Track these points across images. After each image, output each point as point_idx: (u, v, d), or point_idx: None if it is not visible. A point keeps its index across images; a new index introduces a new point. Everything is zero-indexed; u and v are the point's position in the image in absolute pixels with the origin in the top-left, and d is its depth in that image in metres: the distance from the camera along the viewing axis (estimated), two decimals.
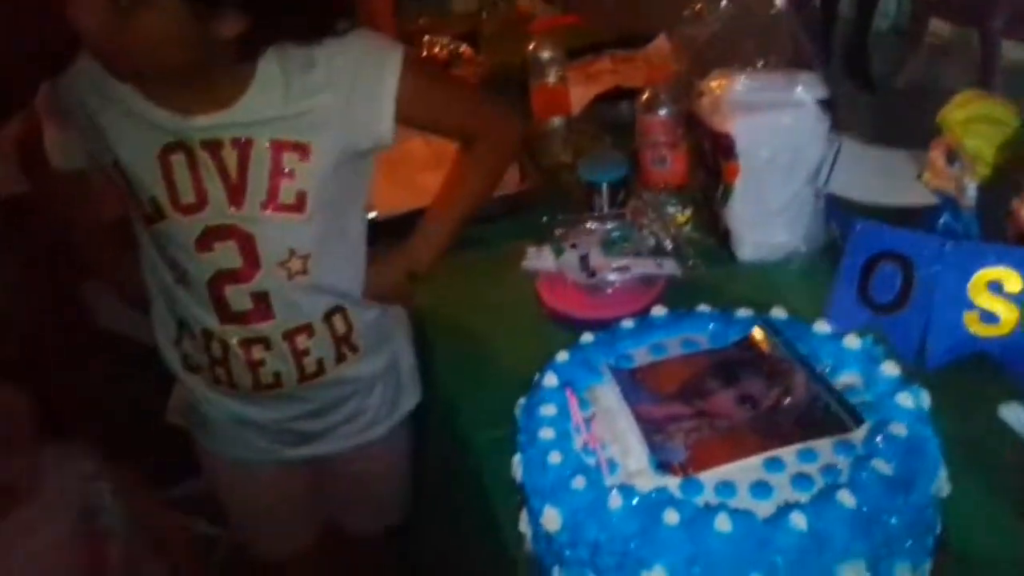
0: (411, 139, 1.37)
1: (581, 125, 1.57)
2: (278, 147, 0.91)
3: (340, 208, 0.98)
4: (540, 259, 1.16)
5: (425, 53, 1.93)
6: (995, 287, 0.93)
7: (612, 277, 1.12)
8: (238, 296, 0.96)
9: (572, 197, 1.34)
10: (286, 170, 0.92)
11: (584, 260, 1.12)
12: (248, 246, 0.94)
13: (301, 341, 1.00)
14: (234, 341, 0.98)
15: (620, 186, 1.28)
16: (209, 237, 0.93)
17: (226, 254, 0.94)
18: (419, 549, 1.30)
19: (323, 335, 1.01)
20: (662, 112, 1.28)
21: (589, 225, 1.16)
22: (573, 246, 1.14)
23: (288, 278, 0.96)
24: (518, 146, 1.15)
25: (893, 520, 0.66)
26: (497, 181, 1.12)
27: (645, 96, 1.30)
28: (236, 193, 0.91)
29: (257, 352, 0.99)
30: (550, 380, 0.83)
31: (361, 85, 0.93)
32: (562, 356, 0.86)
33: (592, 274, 1.12)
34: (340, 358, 1.04)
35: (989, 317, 0.94)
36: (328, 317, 1.01)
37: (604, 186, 1.28)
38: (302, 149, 0.92)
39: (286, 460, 1.11)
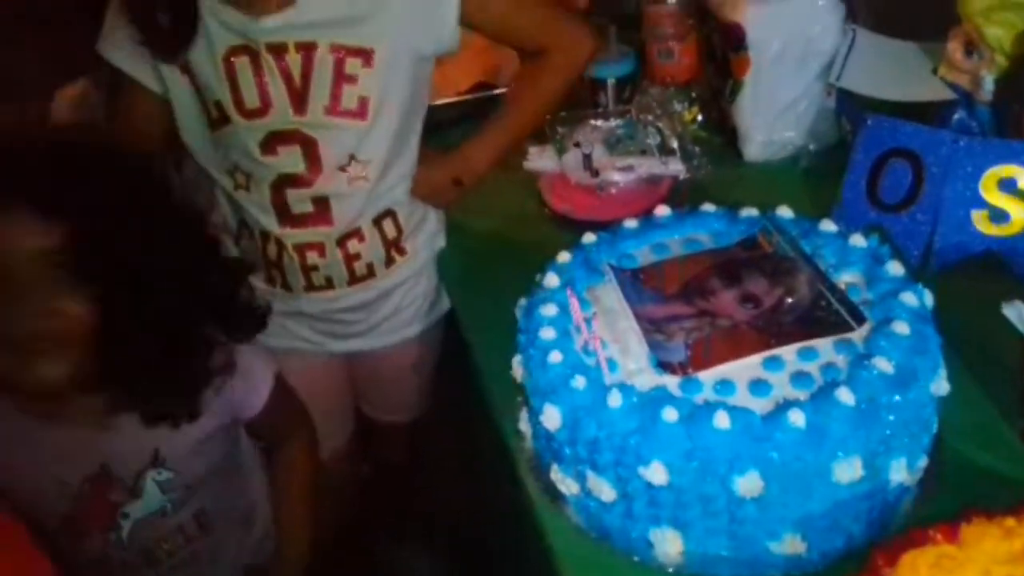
0: None
1: (588, 18, 1.51)
2: (341, 52, 0.92)
3: (401, 114, 0.99)
4: (542, 159, 1.14)
5: None
6: (1007, 185, 0.91)
7: (616, 177, 1.10)
8: (299, 200, 0.98)
9: (577, 94, 1.31)
10: (349, 75, 0.93)
11: (587, 159, 1.10)
12: (311, 150, 0.95)
13: (352, 246, 1.02)
14: (290, 244, 1.01)
15: (627, 82, 1.24)
16: (273, 141, 0.95)
17: (289, 158, 0.96)
18: (431, 447, 1.35)
19: (374, 239, 1.03)
20: (670, 2, 1.23)
21: (593, 123, 1.13)
22: (576, 145, 1.12)
23: (348, 183, 0.98)
24: (585, 67, 1.09)
25: (891, 417, 0.66)
26: (559, 98, 1.08)
27: None
28: (299, 99, 0.93)
29: (311, 257, 1.02)
30: (551, 280, 0.82)
31: None
32: (563, 256, 0.85)
33: (595, 174, 1.10)
34: (389, 261, 1.06)
35: (999, 216, 0.92)
36: (378, 221, 1.03)
37: (609, 82, 1.24)
38: (365, 54, 0.93)
39: (330, 353, 1.14)
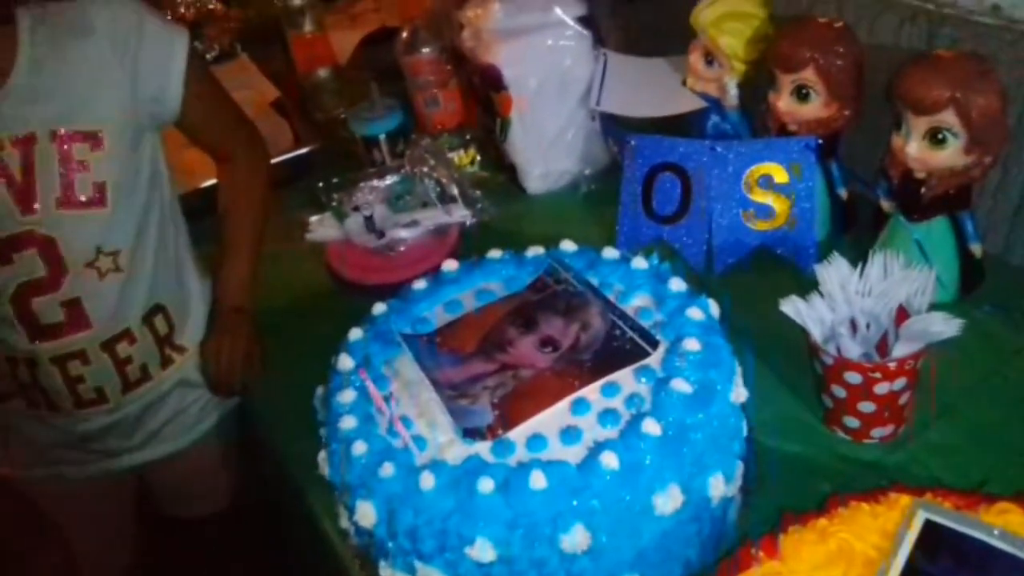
0: None
1: (352, 73, 1.48)
2: (64, 139, 0.83)
3: (144, 193, 0.91)
4: (324, 228, 1.09)
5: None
6: (765, 182, 0.96)
7: (403, 234, 1.06)
8: (47, 308, 0.88)
9: (354, 153, 1.27)
10: (80, 162, 0.84)
11: (369, 221, 1.06)
12: (50, 251, 0.86)
13: (122, 349, 0.93)
14: (45, 360, 0.90)
15: (398, 135, 1.21)
16: (5, 249, 0.85)
17: (27, 264, 0.86)
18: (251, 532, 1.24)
19: (144, 339, 0.95)
20: (425, 51, 1.22)
21: (369, 183, 1.09)
22: (356, 209, 1.07)
23: (100, 278, 0.89)
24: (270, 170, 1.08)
25: (698, 436, 0.66)
26: (269, 207, 1.06)
27: (404, 35, 1.23)
28: (24, 197, 0.84)
29: (74, 368, 0.91)
30: (344, 363, 0.77)
31: (148, 56, 0.87)
32: (355, 333, 0.81)
33: (381, 235, 1.06)
34: (166, 362, 0.98)
35: (764, 211, 0.97)
36: (148, 319, 0.95)
37: (381, 138, 1.21)
38: (93, 138, 0.84)
39: (113, 471, 1.03)
